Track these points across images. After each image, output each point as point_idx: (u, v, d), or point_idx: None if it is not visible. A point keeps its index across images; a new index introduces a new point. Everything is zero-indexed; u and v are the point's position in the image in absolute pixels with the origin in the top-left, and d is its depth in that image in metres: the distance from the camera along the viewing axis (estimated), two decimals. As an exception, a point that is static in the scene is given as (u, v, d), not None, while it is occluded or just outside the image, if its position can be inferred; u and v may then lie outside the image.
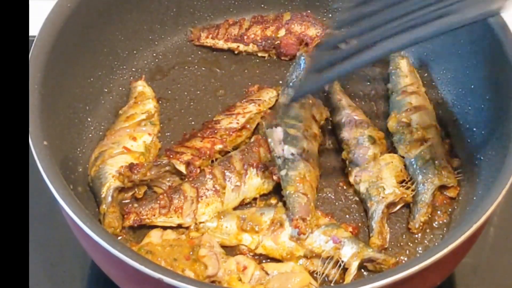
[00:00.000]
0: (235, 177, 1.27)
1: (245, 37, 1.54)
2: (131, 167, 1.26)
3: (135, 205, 1.25)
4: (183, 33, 1.58)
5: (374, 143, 1.32)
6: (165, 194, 1.26)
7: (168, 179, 1.30)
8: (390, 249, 1.24)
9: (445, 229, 1.26)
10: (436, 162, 1.29)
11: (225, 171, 1.28)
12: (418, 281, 1.04)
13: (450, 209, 1.28)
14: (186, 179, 1.28)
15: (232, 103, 1.43)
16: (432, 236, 1.25)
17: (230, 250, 1.23)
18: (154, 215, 1.24)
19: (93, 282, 1.31)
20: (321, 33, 1.53)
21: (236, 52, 1.55)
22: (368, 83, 1.50)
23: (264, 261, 1.22)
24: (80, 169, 1.31)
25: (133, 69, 1.51)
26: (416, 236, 1.25)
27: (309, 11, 1.58)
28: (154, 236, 1.21)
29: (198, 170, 1.29)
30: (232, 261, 1.17)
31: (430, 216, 1.26)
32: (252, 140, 1.35)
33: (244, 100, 1.43)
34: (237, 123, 1.37)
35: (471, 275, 1.33)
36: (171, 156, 1.29)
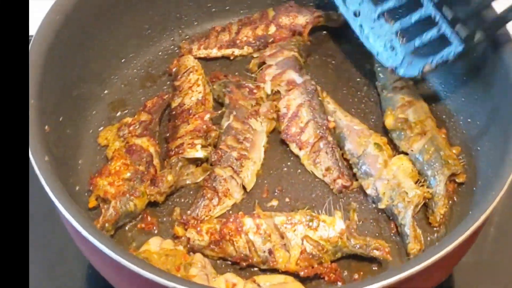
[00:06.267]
0: (246, 133, 1.32)
1: (238, 41, 1.52)
2: (153, 182, 1.26)
3: (188, 212, 1.26)
4: (171, 38, 1.57)
5: (381, 150, 1.32)
6: (206, 188, 1.27)
7: (186, 173, 1.30)
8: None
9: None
10: (441, 152, 1.29)
11: (236, 136, 1.32)
12: (421, 279, 1.03)
13: (450, 201, 1.28)
14: (212, 164, 1.30)
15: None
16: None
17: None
18: (210, 210, 1.26)
19: (92, 282, 1.30)
20: (311, 19, 1.52)
21: (231, 58, 1.53)
22: (358, 83, 1.50)
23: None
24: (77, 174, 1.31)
25: (124, 77, 1.49)
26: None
27: (291, 1, 1.57)
28: (153, 244, 1.20)
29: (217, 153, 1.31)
30: (221, 280, 1.15)
31: (447, 206, 1.26)
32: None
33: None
34: (200, 93, 1.39)
35: (471, 274, 1.32)
36: (175, 153, 1.29)
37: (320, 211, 1.24)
